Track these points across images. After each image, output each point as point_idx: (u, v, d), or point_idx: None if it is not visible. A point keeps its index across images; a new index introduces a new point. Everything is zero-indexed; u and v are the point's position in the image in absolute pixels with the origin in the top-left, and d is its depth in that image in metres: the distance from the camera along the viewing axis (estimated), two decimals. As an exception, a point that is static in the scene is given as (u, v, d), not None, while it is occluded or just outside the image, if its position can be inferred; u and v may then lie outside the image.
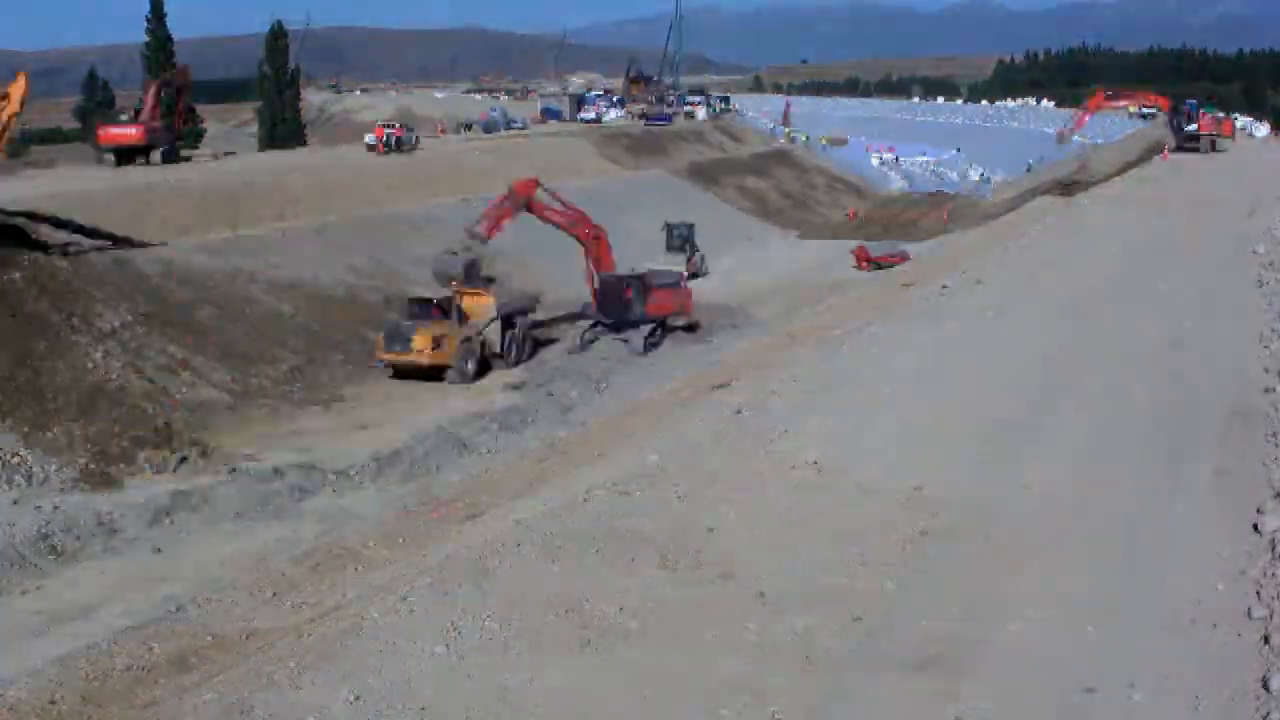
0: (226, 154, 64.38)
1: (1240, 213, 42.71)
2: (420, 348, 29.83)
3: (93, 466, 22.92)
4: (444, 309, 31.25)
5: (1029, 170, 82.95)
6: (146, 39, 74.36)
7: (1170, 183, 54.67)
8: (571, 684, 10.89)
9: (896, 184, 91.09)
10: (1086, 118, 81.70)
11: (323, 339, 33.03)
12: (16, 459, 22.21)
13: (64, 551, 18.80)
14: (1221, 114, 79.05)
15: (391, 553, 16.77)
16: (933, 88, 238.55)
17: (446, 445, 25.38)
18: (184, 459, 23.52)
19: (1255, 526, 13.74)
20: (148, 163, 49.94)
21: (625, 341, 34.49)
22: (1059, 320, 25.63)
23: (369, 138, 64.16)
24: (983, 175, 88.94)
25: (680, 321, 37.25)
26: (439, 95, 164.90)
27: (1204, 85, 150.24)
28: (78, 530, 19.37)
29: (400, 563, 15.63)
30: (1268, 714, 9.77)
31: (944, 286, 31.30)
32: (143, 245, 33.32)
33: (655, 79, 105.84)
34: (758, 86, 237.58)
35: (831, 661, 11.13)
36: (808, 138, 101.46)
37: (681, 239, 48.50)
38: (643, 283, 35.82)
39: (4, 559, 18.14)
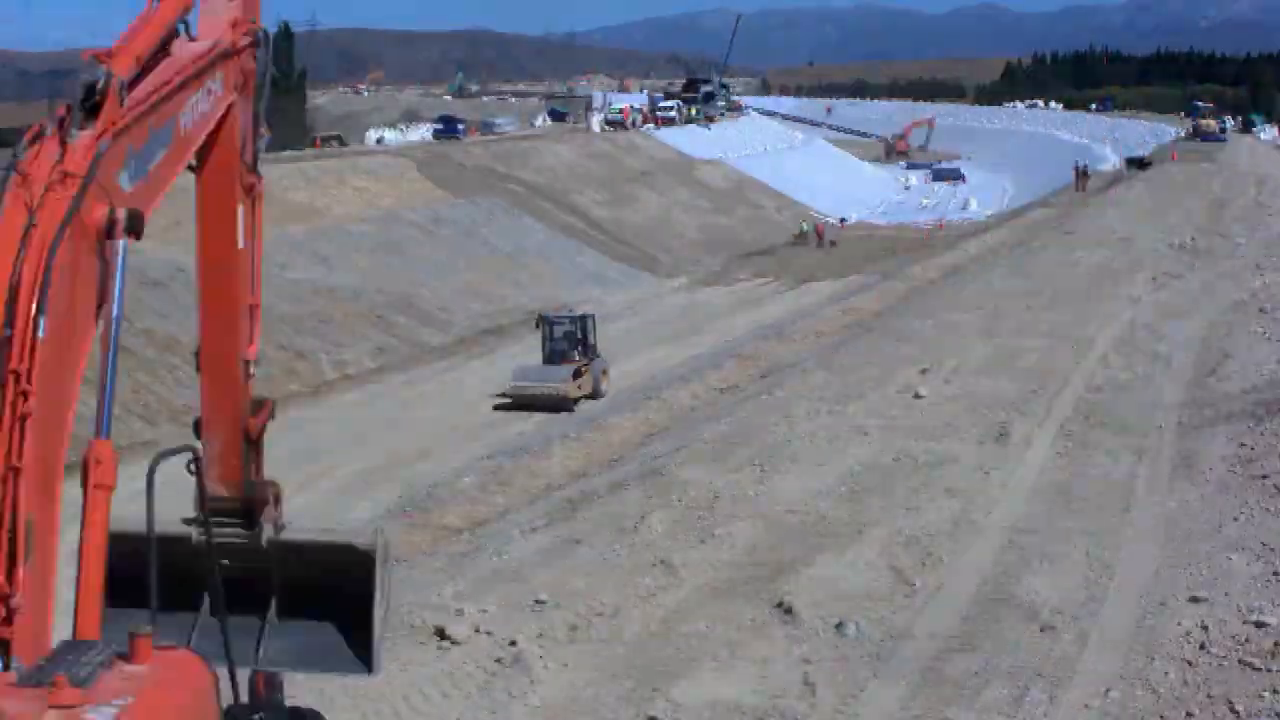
0: None
1: (1247, 211, 42.70)
2: None
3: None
4: None
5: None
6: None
7: (1182, 184, 54.62)
8: (593, 685, 10.81)
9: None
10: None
11: (327, 338, 33.07)
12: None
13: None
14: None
15: (402, 553, 16.70)
16: (938, 90, 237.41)
17: (455, 445, 25.32)
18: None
19: (1265, 527, 13.67)
20: None
21: None
22: (1064, 317, 25.58)
23: None
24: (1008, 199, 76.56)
25: None
26: (448, 96, 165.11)
27: (1210, 88, 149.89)
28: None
29: (409, 563, 15.58)
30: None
31: (961, 291, 31.29)
32: None
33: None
34: (764, 89, 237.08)
35: (841, 671, 11.07)
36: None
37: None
38: None
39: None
